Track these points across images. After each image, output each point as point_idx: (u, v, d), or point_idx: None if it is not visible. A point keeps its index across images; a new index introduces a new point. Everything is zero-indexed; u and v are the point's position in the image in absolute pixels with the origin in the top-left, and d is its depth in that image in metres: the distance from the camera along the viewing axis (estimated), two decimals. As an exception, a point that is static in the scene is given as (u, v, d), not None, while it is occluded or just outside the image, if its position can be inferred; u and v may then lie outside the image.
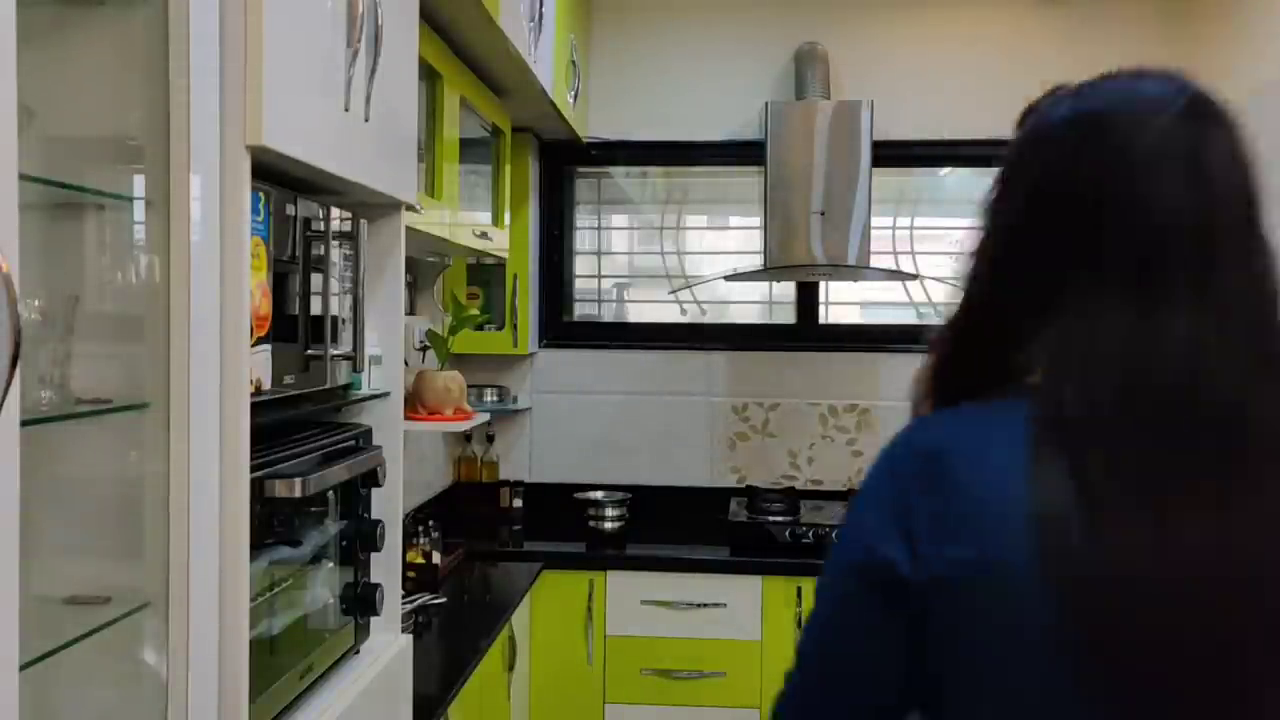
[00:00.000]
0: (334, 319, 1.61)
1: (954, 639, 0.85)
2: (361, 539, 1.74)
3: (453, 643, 2.41)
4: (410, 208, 1.95)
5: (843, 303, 3.91)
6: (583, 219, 3.96)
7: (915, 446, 0.91)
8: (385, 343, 1.85)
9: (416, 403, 2.66)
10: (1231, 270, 0.85)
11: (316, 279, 1.55)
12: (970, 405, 0.92)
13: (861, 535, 0.89)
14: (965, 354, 0.98)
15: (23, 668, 0.91)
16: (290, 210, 1.47)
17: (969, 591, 0.84)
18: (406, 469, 1.95)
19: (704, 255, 3.94)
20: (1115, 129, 0.88)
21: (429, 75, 2.38)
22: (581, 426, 3.76)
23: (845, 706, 0.92)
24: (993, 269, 0.96)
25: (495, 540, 3.42)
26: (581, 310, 3.99)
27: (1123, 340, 0.85)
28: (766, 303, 3.93)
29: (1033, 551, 0.81)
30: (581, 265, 3.97)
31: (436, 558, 2.88)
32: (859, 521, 0.91)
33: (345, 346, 1.65)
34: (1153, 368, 0.84)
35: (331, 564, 1.68)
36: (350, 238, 1.65)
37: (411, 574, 2.73)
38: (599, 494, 3.54)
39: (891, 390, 3.74)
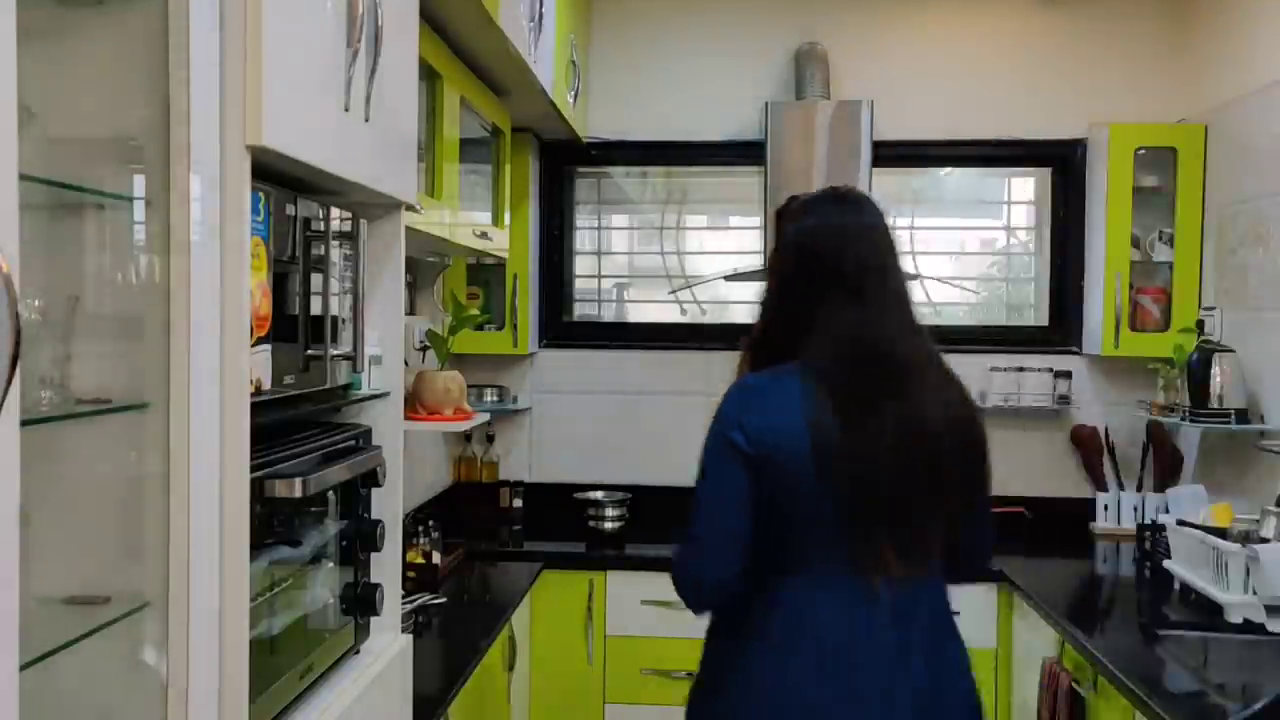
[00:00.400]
0: (334, 319, 1.61)
1: (771, 481, 1.61)
2: (361, 539, 1.74)
3: (453, 643, 2.41)
4: (410, 208, 1.95)
5: (843, 303, 3.90)
6: (583, 219, 3.96)
7: (744, 386, 1.70)
8: (385, 343, 1.85)
9: (416, 403, 2.66)
10: (891, 286, 1.68)
11: (316, 279, 1.55)
12: (770, 369, 1.69)
13: (723, 429, 1.64)
14: (766, 344, 1.74)
15: (23, 668, 0.91)
16: (290, 210, 1.47)
17: (776, 459, 1.60)
18: (406, 469, 1.95)
19: (704, 255, 3.94)
20: (837, 227, 1.71)
21: (429, 75, 2.38)
22: (581, 426, 3.76)
23: (718, 530, 1.64)
24: (780, 297, 1.75)
25: (495, 540, 3.42)
26: (581, 310, 3.99)
27: (850, 325, 1.64)
28: (766, 303, 3.93)
29: (805, 439, 1.59)
30: (581, 265, 3.97)
31: (436, 558, 2.88)
32: (721, 423, 1.66)
33: (345, 346, 1.65)
34: (864, 337, 1.64)
35: (331, 564, 1.68)
36: (350, 238, 1.65)
37: (411, 574, 2.73)
38: (599, 494, 3.54)
39: (891, 390, 3.73)
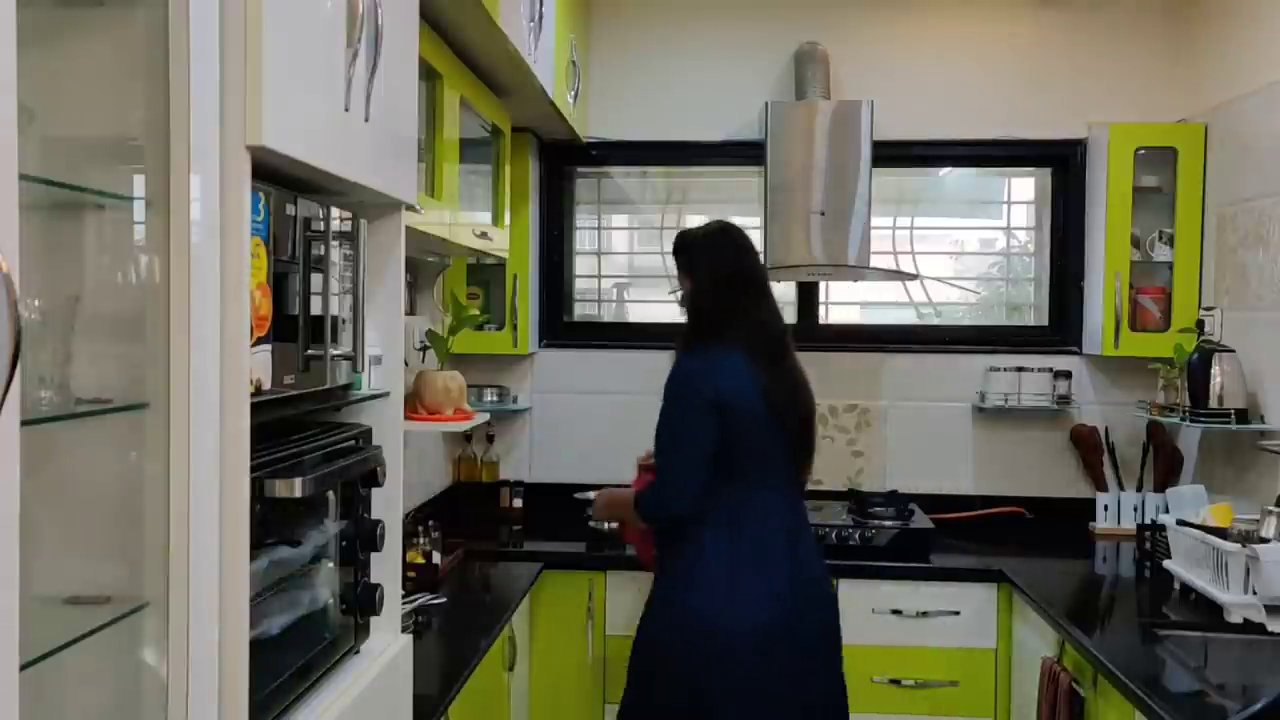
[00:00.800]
0: (334, 319, 1.61)
1: (731, 425, 2.35)
2: (361, 539, 1.74)
3: (453, 643, 2.41)
4: (410, 208, 1.95)
5: (843, 303, 3.91)
6: (583, 219, 3.96)
7: (705, 360, 2.40)
8: (385, 343, 1.85)
9: (416, 403, 2.66)
10: (771, 292, 2.55)
11: (316, 279, 1.55)
12: (714, 349, 2.41)
13: (697, 389, 2.37)
14: (699, 332, 2.46)
15: (23, 668, 0.91)
16: (290, 210, 1.47)
17: (735, 408, 2.35)
18: (406, 469, 1.95)
19: (704, 255, 3.94)
20: (746, 245, 2.56)
21: (429, 75, 2.38)
22: (581, 426, 3.76)
23: (692, 462, 2.37)
24: (710, 297, 2.48)
25: (495, 540, 3.42)
26: (581, 310, 3.99)
27: (764, 315, 2.47)
28: (766, 303, 3.93)
29: (756, 393, 2.37)
30: (581, 265, 3.97)
31: (436, 558, 2.88)
32: (694, 386, 2.39)
33: (345, 346, 1.65)
34: (770, 323, 2.48)
35: (331, 564, 1.68)
36: (350, 238, 1.65)
37: (411, 574, 2.73)
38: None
39: (892, 390, 3.74)
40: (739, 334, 2.41)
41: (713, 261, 2.50)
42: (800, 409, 2.51)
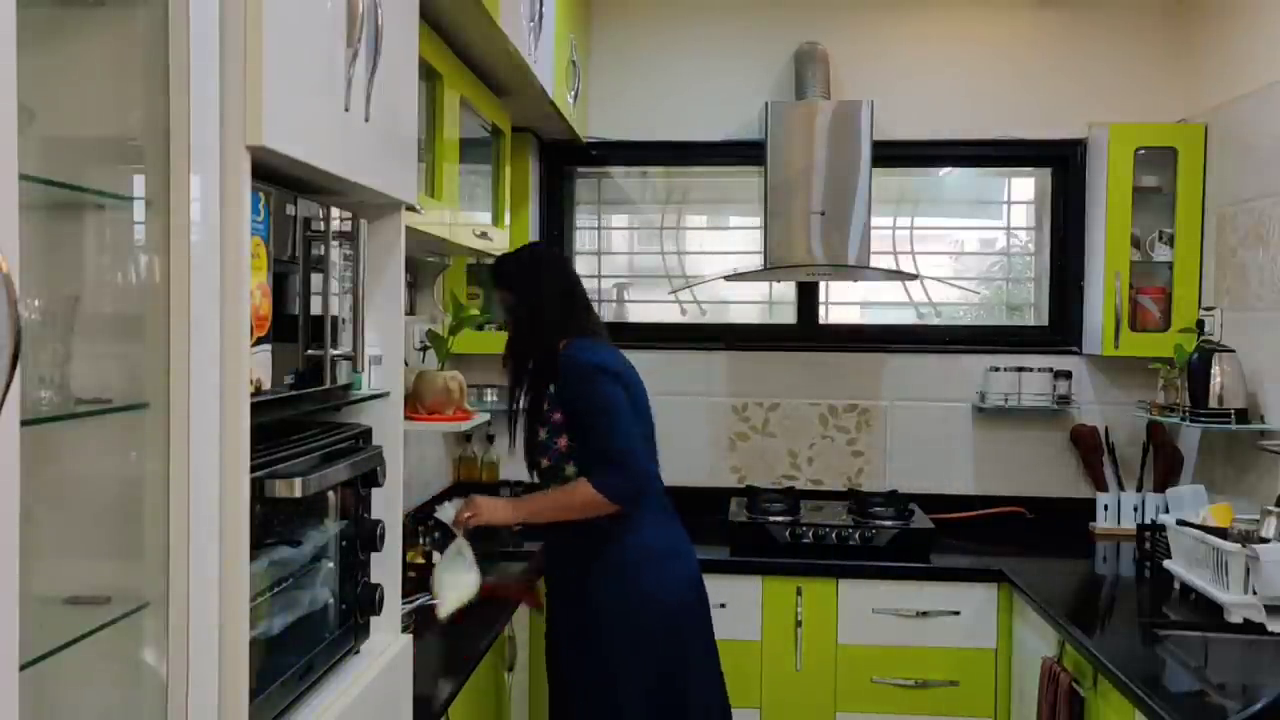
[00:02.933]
0: (334, 319, 1.61)
1: (633, 399, 2.53)
2: (361, 539, 1.74)
3: (453, 643, 2.41)
4: (410, 208, 1.95)
5: (843, 303, 3.91)
6: (583, 219, 3.96)
7: (593, 350, 2.55)
8: (385, 343, 1.85)
9: (416, 403, 2.66)
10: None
11: (316, 279, 1.55)
12: (588, 341, 2.57)
13: (604, 370, 2.49)
14: (535, 341, 2.58)
15: (23, 668, 0.91)
16: (290, 210, 1.47)
17: (631, 384, 2.56)
18: (406, 469, 1.95)
19: (704, 255, 3.95)
20: (564, 264, 2.78)
21: (429, 75, 2.38)
22: (581, 426, 3.76)
23: (638, 437, 2.50)
24: (547, 308, 2.58)
25: (495, 540, 3.41)
26: (581, 310, 3.98)
27: (593, 321, 2.66)
28: (766, 303, 3.93)
29: (636, 375, 2.61)
30: (581, 265, 3.96)
31: (436, 558, 2.88)
32: (599, 370, 2.49)
33: (345, 346, 1.65)
34: (597, 328, 2.66)
35: (331, 564, 1.68)
36: (350, 238, 1.65)
37: (411, 574, 2.73)
38: (599, 494, 3.52)
39: (892, 390, 3.74)
40: (589, 329, 2.60)
41: (552, 277, 2.64)
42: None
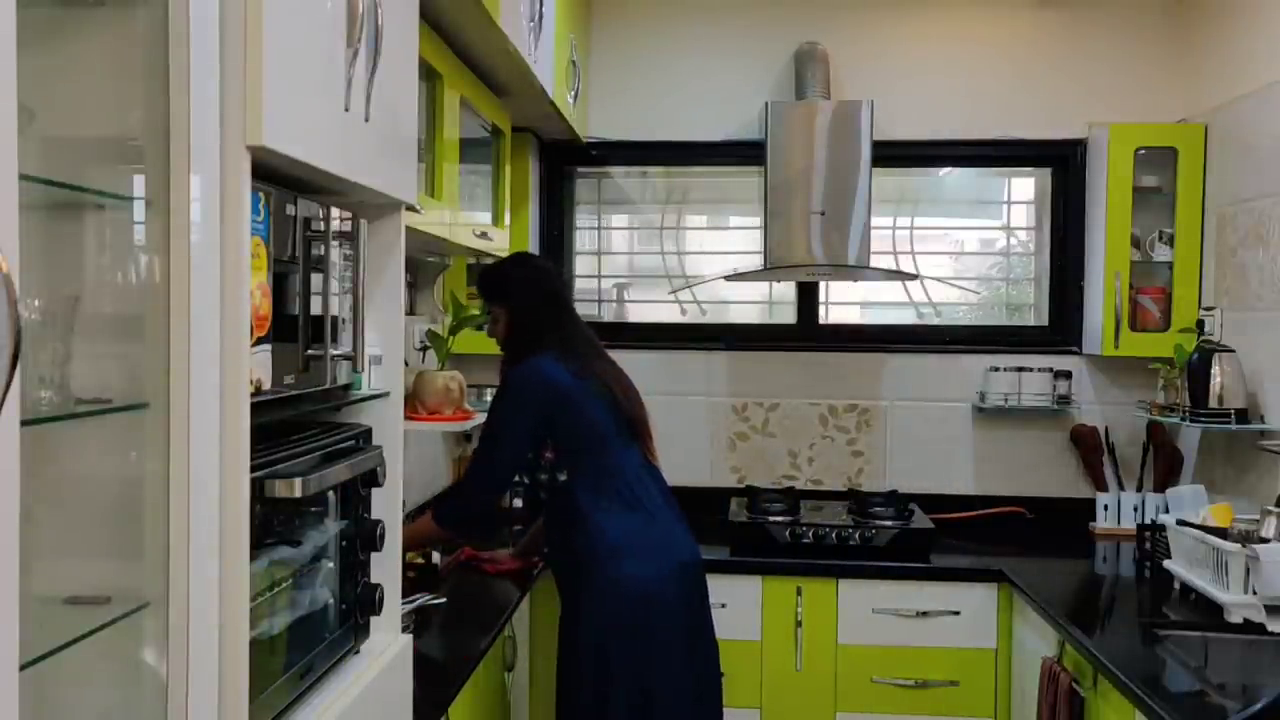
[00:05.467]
0: (334, 319, 1.61)
1: (565, 410, 2.62)
2: (361, 539, 1.74)
3: (453, 643, 2.41)
4: (410, 208, 1.95)
5: (843, 303, 3.91)
6: (583, 219, 3.96)
7: (529, 363, 2.63)
8: (385, 343, 1.85)
9: (416, 403, 2.66)
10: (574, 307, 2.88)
11: (316, 279, 1.55)
12: (558, 353, 2.64)
13: (525, 384, 2.63)
14: (518, 346, 2.68)
15: (23, 668, 0.91)
16: (290, 210, 1.47)
17: (570, 399, 2.61)
18: (406, 469, 1.95)
19: (704, 255, 3.95)
20: (551, 274, 2.84)
21: (429, 75, 2.38)
22: (581, 426, 3.76)
23: (503, 462, 2.67)
24: (532, 314, 2.68)
25: (496, 540, 3.42)
26: (581, 310, 3.95)
27: (579, 328, 2.76)
28: (766, 303, 3.94)
29: (583, 387, 2.62)
30: (581, 265, 3.97)
31: (436, 558, 2.88)
32: (522, 389, 2.62)
33: (345, 346, 1.65)
34: (580, 334, 2.74)
35: (331, 564, 1.68)
36: (350, 238, 1.65)
37: (411, 574, 2.73)
38: (599, 494, 3.52)
39: (891, 390, 3.74)
40: (550, 342, 2.65)
41: (539, 283, 2.73)
42: (622, 389, 2.70)
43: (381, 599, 1.78)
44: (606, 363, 2.73)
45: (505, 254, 3.26)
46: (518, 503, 3.69)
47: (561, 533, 2.65)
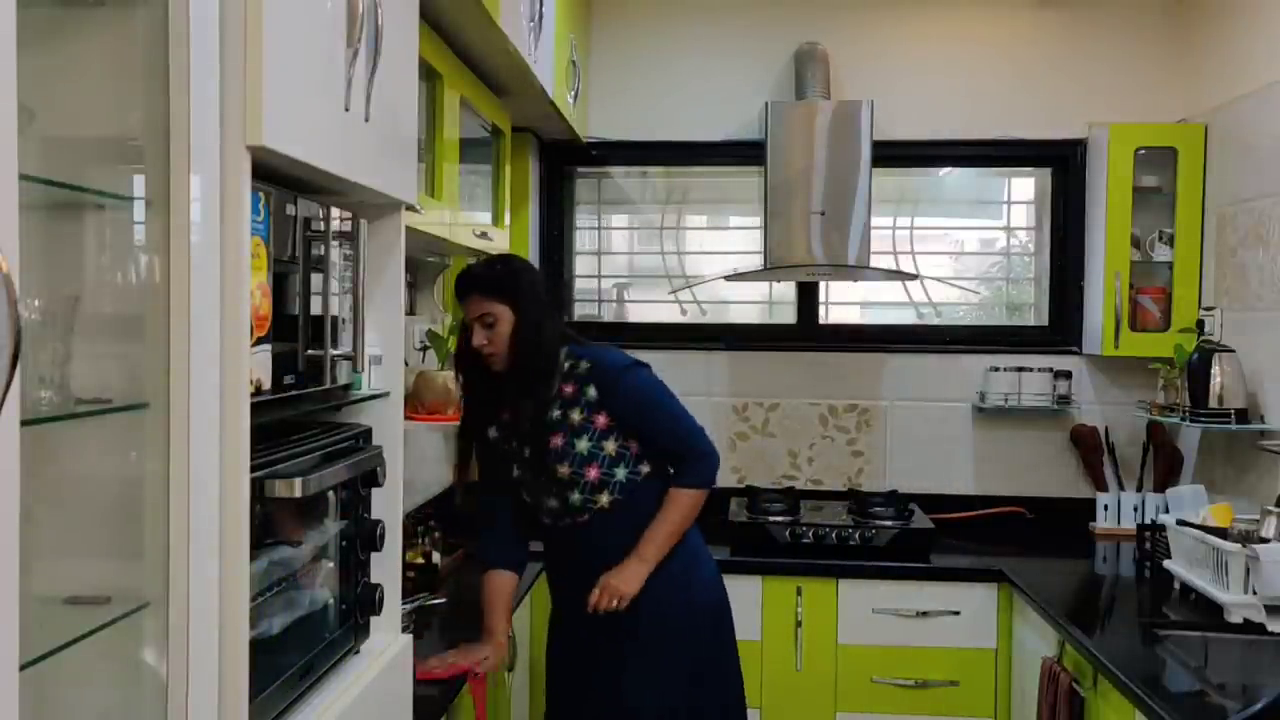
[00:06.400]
0: (334, 319, 1.61)
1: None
2: (361, 539, 1.74)
3: (453, 643, 2.41)
4: (410, 208, 1.95)
5: (843, 303, 3.91)
6: (583, 219, 3.96)
7: (606, 349, 2.53)
8: (385, 343, 1.85)
9: (416, 403, 2.66)
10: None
11: (316, 279, 1.55)
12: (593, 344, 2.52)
13: (647, 369, 2.50)
14: (541, 341, 2.39)
15: (23, 668, 0.91)
16: (290, 210, 1.47)
17: None
18: (406, 469, 1.95)
19: (704, 255, 3.95)
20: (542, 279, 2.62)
21: (429, 75, 2.38)
22: (581, 426, 3.76)
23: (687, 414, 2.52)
24: (544, 311, 2.42)
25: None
26: (582, 310, 3.99)
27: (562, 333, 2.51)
28: (766, 303, 3.94)
29: None
30: (581, 265, 3.97)
31: (436, 558, 2.88)
32: (642, 367, 2.48)
33: (345, 346, 1.65)
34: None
35: (331, 564, 1.68)
36: (350, 238, 1.65)
37: (411, 574, 2.73)
38: (599, 494, 3.52)
39: (892, 390, 3.74)
40: (571, 337, 2.51)
41: (532, 281, 2.48)
42: None
43: (381, 599, 1.78)
44: None
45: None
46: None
47: (636, 534, 2.40)
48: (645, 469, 2.42)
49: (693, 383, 3.76)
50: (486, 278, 2.44)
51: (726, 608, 2.56)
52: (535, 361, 2.37)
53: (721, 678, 2.51)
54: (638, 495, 2.40)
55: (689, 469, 2.43)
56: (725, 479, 3.75)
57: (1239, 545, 2.45)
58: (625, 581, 2.37)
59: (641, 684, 2.41)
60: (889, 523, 3.32)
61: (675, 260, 3.94)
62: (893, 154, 3.62)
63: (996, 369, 3.62)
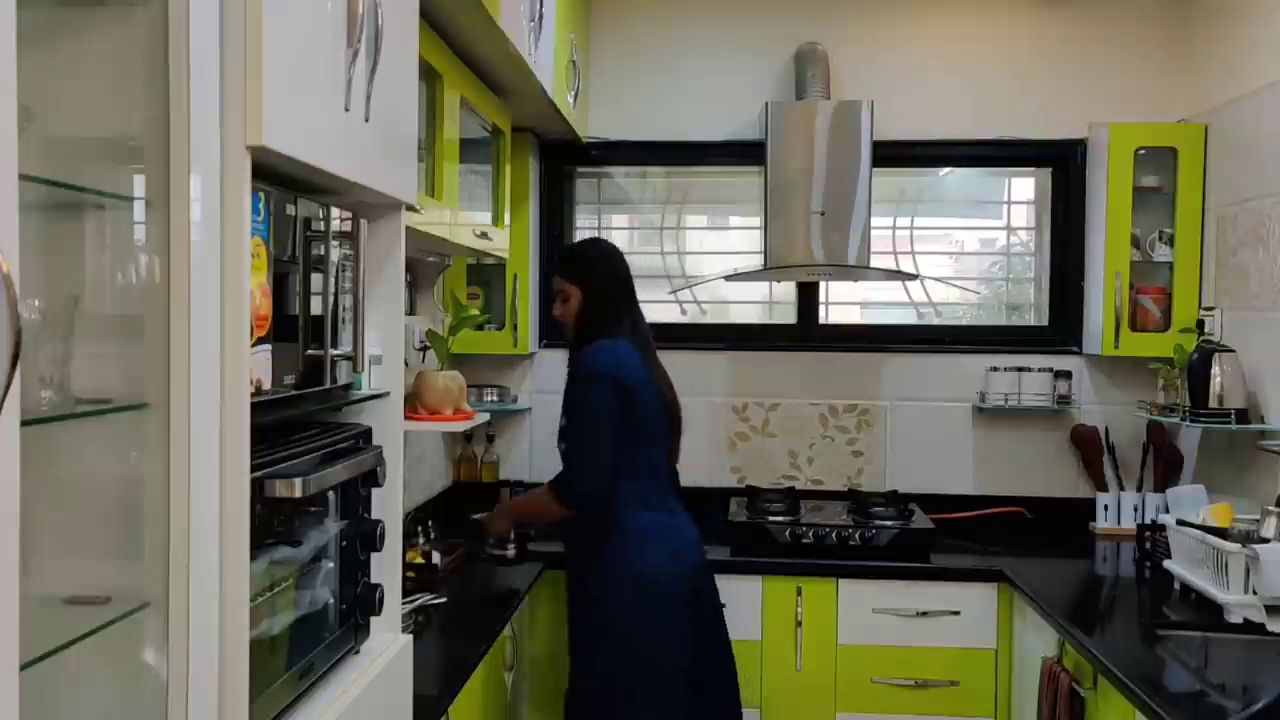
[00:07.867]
0: (334, 319, 1.61)
1: (631, 407, 2.67)
2: (361, 539, 1.74)
3: (453, 643, 2.41)
4: (410, 208, 1.95)
5: (843, 303, 3.91)
6: (583, 219, 3.96)
7: (609, 351, 2.69)
8: (385, 343, 1.85)
9: (416, 403, 2.66)
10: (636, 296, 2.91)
11: (316, 279, 1.55)
12: (604, 342, 2.71)
13: (604, 374, 2.66)
14: (592, 328, 2.76)
15: (23, 668, 0.91)
16: (290, 210, 1.47)
17: (639, 391, 2.69)
18: (406, 469, 1.95)
19: (704, 255, 3.94)
20: (626, 263, 2.89)
21: (429, 75, 2.38)
22: (581, 426, 3.76)
23: (601, 441, 2.66)
24: (600, 300, 2.78)
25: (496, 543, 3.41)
26: (581, 310, 3.98)
27: (640, 316, 2.86)
28: (766, 303, 3.93)
29: (649, 380, 2.73)
30: (581, 265, 3.96)
31: (436, 558, 2.88)
32: (602, 371, 2.66)
33: (345, 346, 1.65)
34: (645, 326, 2.86)
35: (331, 564, 1.68)
36: (350, 238, 1.65)
37: (411, 574, 2.73)
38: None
39: (892, 390, 3.74)
40: (628, 329, 2.77)
41: (610, 269, 2.83)
42: (673, 394, 2.85)
43: (381, 599, 1.78)
44: (658, 359, 2.85)
45: (505, 254, 3.27)
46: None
47: (589, 519, 2.71)
48: None
49: (693, 383, 3.75)
50: (565, 258, 2.93)
51: (673, 598, 2.67)
52: (577, 342, 2.79)
53: (685, 652, 2.70)
54: None
55: (560, 480, 2.72)
56: (725, 479, 3.76)
57: (1239, 545, 2.45)
58: (491, 519, 3.04)
59: (582, 645, 2.74)
60: (889, 523, 3.32)
61: (675, 260, 3.94)
62: (893, 154, 3.62)
63: (996, 369, 3.62)
